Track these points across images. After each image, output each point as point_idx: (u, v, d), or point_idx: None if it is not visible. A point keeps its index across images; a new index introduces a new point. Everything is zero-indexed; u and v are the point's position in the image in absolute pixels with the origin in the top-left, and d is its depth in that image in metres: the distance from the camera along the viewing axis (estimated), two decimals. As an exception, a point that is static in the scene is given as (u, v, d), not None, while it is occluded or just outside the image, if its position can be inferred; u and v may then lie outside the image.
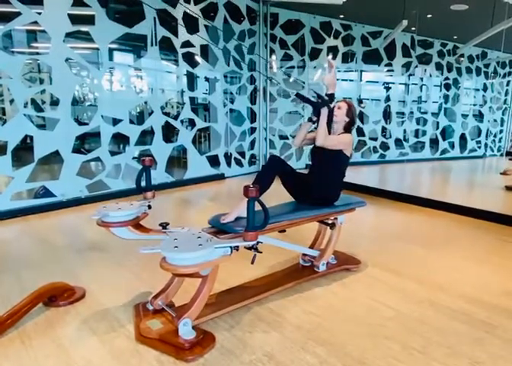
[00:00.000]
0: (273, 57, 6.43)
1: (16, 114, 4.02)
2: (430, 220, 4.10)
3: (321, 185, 2.42)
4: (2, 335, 1.92)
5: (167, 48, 5.13)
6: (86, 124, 4.59)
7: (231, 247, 1.76)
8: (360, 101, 7.45)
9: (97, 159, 4.72)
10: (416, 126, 8.08)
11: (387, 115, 7.57)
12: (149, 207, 2.29)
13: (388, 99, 7.52)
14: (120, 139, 5.31)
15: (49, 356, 1.79)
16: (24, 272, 2.66)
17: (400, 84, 7.70)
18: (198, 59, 5.48)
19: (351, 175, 5.50)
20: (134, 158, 5.01)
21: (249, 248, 2.19)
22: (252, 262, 2.17)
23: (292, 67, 6.53)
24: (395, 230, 3.72)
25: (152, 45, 4.92)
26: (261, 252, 2.18)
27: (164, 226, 2.17)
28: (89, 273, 2.66)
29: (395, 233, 3.60)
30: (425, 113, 8.15)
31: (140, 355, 1.79)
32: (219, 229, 2.10)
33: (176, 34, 5.13)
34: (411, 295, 2.35)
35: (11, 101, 7.03)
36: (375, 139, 7.52)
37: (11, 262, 2.86)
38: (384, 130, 7.68)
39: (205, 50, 5.55)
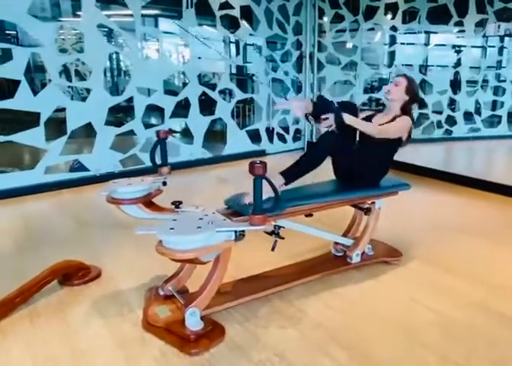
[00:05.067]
0: (325, 19, 6.05)
1: (49, 84, 4.13)
2: (503, 209, 3.67)
3: (364, 169, 2.24)
4: (13, 313, 1.98)
5: (204, 11, 4.98)
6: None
7: (235, 231, 1.64)
8: (422, 69, 6.83)
9: (131, 133, 4.77)
10: (492, 96, 7.30)
11: (456, 84, 6.90)
12: (164, 183, 2.24)
13: (457, 65, 6.82)
14: (155, 111, 5.33)
15: (54, 337, 1.83)
16: (45, 248, 2.74)
17: (473, 47, 6.93)
18: (239, 22, 5.28)
19: (408, 156, 5.12)
20: (176, 131, 4.97)
21: (270, 234, 2.08)
22: (272, 249, 2.05)
23: (343, 31, 6.10)
24: (455, 219, 3.38)
25: (187, 7, 4.79)
26: (283, 238, 2.06)
27: (176, 204, 2.11)
28: (109, 251, 2.70)
29: (454, 223, 3.27)
30: (503, 81, 7.32)
31: (144, 344, 1.77)
32: (234, 210, 1.99)
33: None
34: (461, 296, 2.12)
35: (60, 73, 7.35)
36: (439, 113, 6.90)
37: (36, 237, 2.97)
38: (453, 102, 7.03)
39: (246, 12, 5.32)
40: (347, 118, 2.04)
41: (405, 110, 2.31)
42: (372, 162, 2.25)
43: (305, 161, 2.12)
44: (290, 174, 2.09)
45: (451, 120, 7.01)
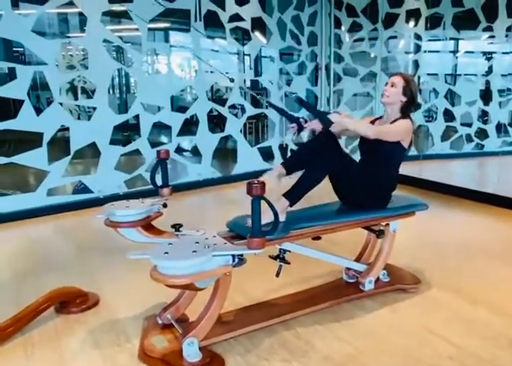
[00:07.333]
0: (343, 28, 6.17)
1: (52, 103, 4.29)
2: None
3: (367, 184, 2.25)
4: (7, 342, 2.05)
5: (213, 24, 5.16)
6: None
7: (233, 256, 1.69)
8: (448, 79, 6.82)
9: (137, 152, 4.89)
10: (528, 106, 7.23)
11: (488, 94, 6.86)
12: (165, 205, 2.31)
13: (488, 73, 6.80)
14: (163, 129, 5.46)
15: (47, 367, 1.89)
16: (45, 273, 2.84)
17: (504, 53, 6.91)
18: (249, 34, 5.44)
19: (436, 173, 5.05)
20: (184, 150, 5.05)
21: (274, 258, 2.12)
22: (277, 275, 2.11)
23: (361, 40, 6.20)
24: (483, 243, 3.34)
25: (195, 21, 4.97)
26: (289, 263, 2.11)
27: (176, 228, 2.17)
28: (109, 277, 2.78)
29: (481, 247, 3.23)
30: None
31: (139, 376, 1.81)
32: (236, 233, 2.04)
33: (223, 7, 5.13)
34: (483, 328, 2.09)
35: (67, 91, 7.62)
36: (469, 125, 6.87)
37: (36, 262, 3.07)
38: (486, 113, 6.97)
39: (257, 24, 5.48)
40: (335, 118, 2.07)
41: (405, 113, 2.30)
42: (376, 176, 2.26)
43: (305, 179, 2.17)
44: (293, 195, 2.14)
45: (482, 133, 6.95)
